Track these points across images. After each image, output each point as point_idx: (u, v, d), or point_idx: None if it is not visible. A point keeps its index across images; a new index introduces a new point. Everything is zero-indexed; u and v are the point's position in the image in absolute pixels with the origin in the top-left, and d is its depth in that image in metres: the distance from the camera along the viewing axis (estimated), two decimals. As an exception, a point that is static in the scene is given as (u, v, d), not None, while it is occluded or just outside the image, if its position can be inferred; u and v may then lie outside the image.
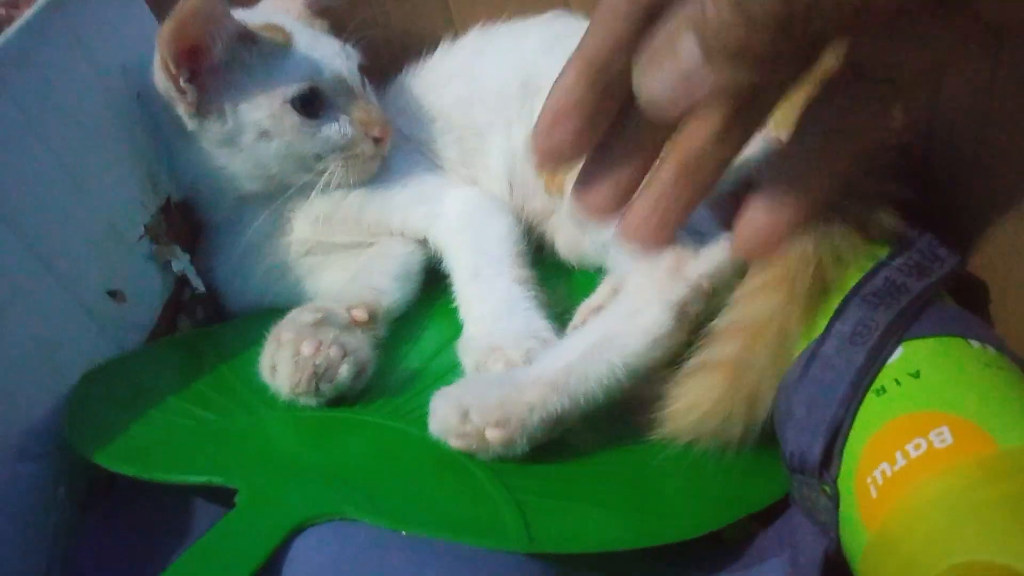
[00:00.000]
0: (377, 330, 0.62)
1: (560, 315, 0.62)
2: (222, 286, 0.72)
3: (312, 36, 0.69)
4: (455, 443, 0.47)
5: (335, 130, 0.66)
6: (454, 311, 0.63)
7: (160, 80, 0.63)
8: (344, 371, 0.54)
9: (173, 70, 0.62)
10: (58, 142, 0.61)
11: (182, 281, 0.70)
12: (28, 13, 0.61)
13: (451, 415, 0.47)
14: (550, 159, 0.28)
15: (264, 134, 0.65)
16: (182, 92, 0.63)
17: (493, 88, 0.74)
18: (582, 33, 0.28)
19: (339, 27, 0.74)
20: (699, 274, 0.53)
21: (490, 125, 0.74)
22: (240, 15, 0.66)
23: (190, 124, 0.65)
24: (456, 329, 0.62)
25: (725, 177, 0.29)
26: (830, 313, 0.46)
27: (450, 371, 0.58)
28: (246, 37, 0.65)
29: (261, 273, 0.71)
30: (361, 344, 0.57)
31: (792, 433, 0.44)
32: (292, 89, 0.65)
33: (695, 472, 0.47)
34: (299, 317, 0.58)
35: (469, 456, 0.48)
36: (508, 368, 0.53)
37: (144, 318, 0.66)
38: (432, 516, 0.45)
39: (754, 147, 0.32)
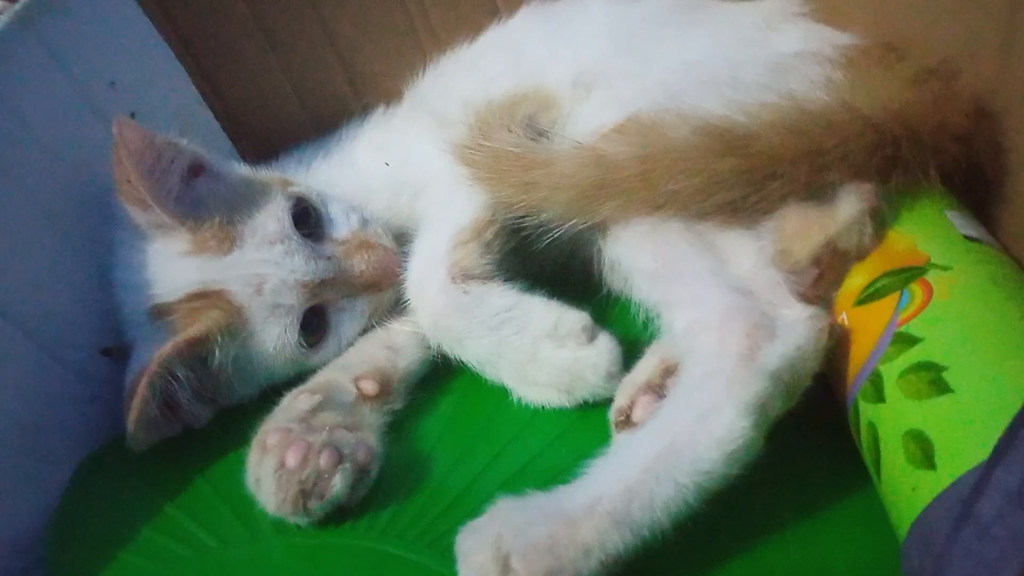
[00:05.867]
0: (392, 402, 0.51)
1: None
2: None
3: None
4: None
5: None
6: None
7: None
8: (338, 483, 0.44)
9: None
10: (36, 183, 0.52)
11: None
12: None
13: (487, 564, 0.37)
14: None
15: None
16: None
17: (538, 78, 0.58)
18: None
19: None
20: (778, 361, 0.41)
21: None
22: None
23: None
24: (478, 397, 0.50)
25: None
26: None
27: (472, 442, 0.48)
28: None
29: None
30: (363, 437, 0.46)
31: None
32: None
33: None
34: (294, 405, 0.48)
35: None
36: None
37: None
38: None
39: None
